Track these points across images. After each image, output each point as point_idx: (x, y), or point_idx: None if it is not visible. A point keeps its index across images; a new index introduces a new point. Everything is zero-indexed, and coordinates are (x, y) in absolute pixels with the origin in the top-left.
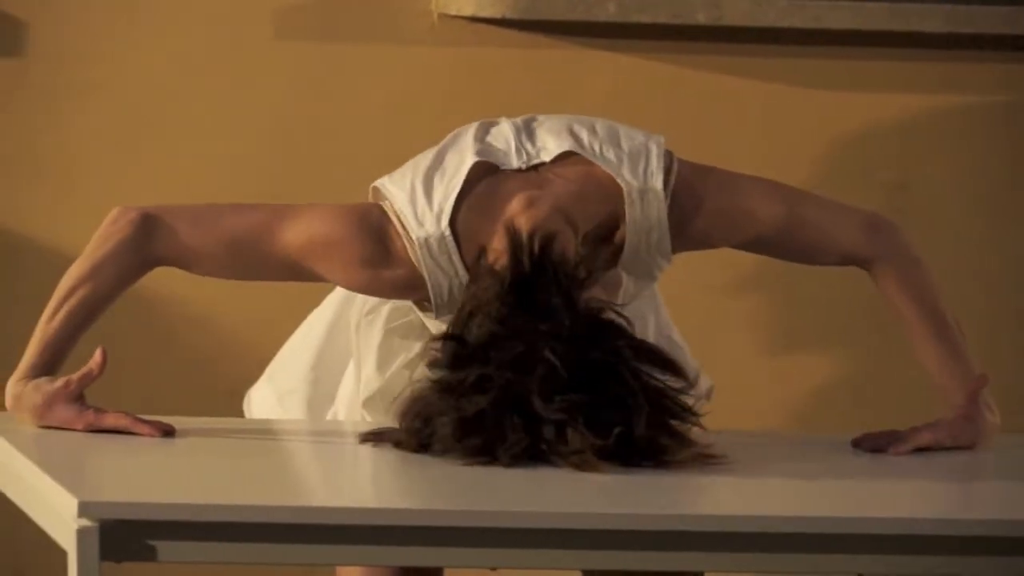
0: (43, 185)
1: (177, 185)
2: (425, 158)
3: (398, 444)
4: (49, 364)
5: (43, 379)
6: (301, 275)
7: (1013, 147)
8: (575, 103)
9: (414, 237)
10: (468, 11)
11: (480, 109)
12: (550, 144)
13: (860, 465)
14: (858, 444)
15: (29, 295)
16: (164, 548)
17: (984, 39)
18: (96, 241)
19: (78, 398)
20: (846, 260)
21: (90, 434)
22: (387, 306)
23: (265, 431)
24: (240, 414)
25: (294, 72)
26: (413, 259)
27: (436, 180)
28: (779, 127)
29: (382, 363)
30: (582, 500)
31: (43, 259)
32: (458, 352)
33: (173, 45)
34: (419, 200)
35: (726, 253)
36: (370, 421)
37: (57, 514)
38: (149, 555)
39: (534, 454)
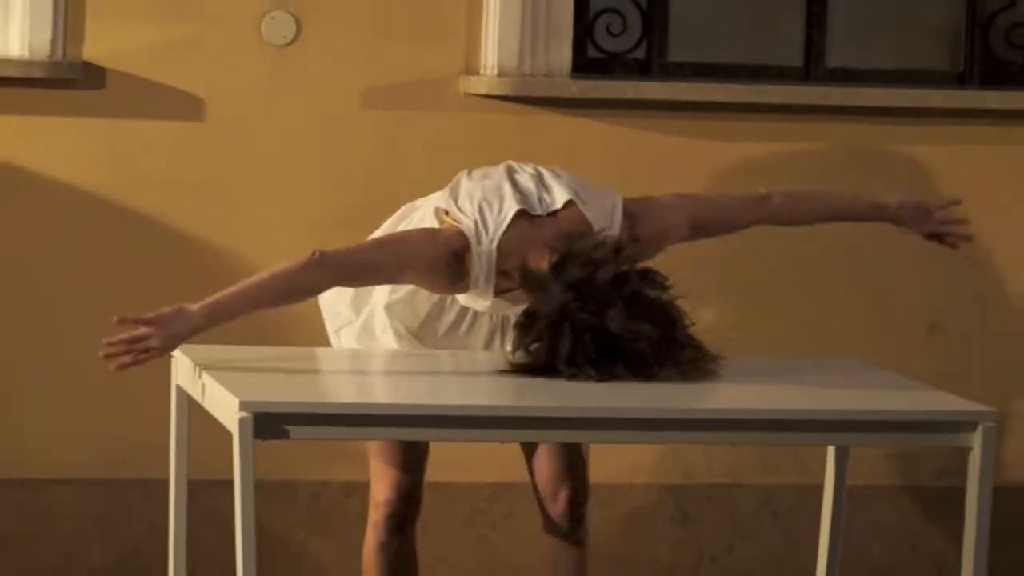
0: (215, 207)
1: (299, 208)
2: (476, 189)
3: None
4: (209, 307)
5: (189, 306)
6: (406, 283)
7: (834, 170)
8: (550, 149)
9: (474, 252)
10: (483, 91)
11: (492, 152)
12: (557, 196)
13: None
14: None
15: (207, 287)
16: (294, 431)
17: (824, 108)
18: (288, 262)
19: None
20: (757, 215)
21: (246, 358)
22: None
23: (351, 355)
24: None
25: (373, 130)
26: (473, 267)
27: (487, 214)
28: (678, 166)
29: (392, 290)
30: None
31: (218, 258)
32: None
33: (295, 113)
34: (479, 227)
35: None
36: (388, 323)
37: (226, 409)
38: (284, 436)
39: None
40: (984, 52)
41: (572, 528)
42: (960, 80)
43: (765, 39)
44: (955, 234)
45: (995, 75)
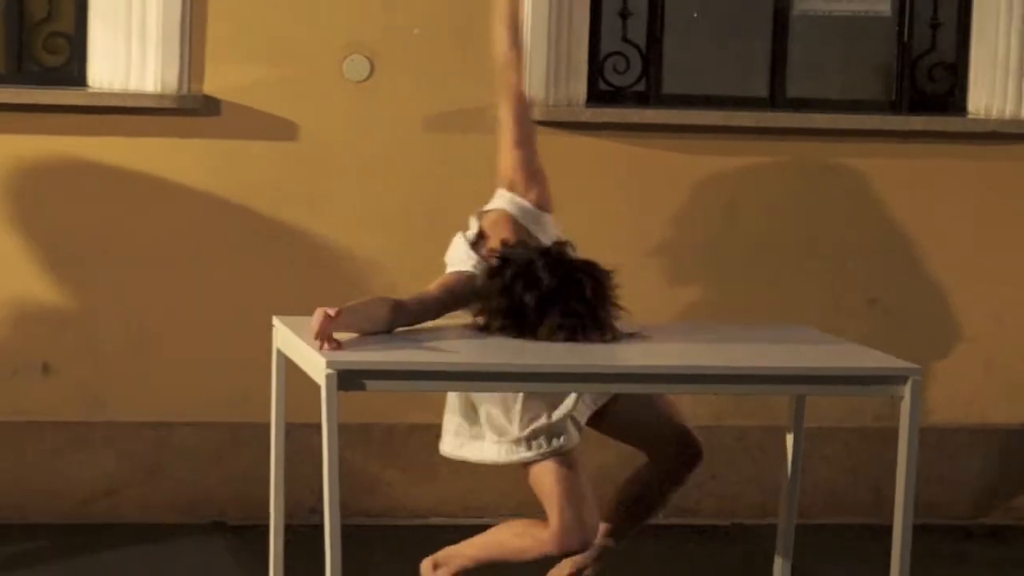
0: (305, 210)
1: (373, 211)
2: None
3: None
4: (345, 313)
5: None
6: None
7: (793, 184)
8: (569, 162)
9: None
10: None
11: None
12: (551, 234)
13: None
14: None
15: (293, 272)
16: (370, 384)
17: (775, 131)
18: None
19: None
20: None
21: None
22: None
23: (419, 328)
24: None
25: (432, 148)
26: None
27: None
28: (671, 176)
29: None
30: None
31: (304, 250)
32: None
33: (370, 135)
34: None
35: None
36: None
37: (316, 367)
38: (362, 388)
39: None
40: (911, 85)
41: (686, 472)
42: (893, 107)
43: (738, 75)
44: None
45: (920, 104)
